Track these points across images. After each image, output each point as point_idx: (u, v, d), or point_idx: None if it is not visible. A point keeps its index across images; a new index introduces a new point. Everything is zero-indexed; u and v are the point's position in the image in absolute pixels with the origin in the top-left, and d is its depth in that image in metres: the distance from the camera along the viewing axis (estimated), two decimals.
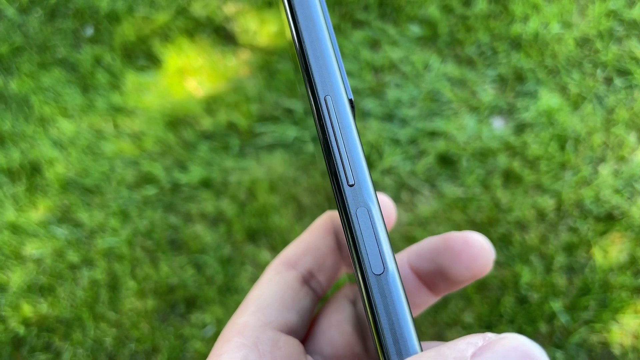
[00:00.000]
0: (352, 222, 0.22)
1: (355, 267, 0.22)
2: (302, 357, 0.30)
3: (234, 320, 0.31)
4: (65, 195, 1.12)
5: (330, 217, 0.36)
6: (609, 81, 1.17)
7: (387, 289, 0.21)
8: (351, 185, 0.23)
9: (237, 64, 1.22)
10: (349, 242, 0.22)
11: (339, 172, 0.23)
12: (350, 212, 0.23)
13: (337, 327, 0.34)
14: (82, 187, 1.13)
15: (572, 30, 1.21)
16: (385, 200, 0.34)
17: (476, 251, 0.31)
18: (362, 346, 0.34)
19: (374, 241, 0.22)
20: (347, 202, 0.23)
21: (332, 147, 0.23)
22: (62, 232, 1.09)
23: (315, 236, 0.36)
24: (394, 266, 0.22)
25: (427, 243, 0.33)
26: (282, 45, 1.22)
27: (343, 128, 0.23)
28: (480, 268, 0.31)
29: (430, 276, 0.33)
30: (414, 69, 1.19)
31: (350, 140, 0.23)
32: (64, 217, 1.11)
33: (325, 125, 0.23)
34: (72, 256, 1.07)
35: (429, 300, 0.34)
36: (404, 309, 0.21)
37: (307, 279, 0.34)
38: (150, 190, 1.12)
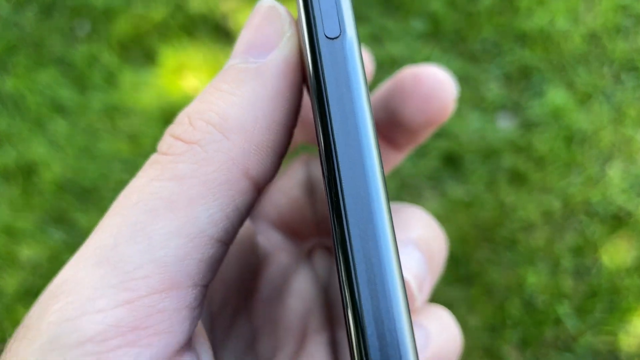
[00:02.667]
0: None
1: (303, 30, 0.18)
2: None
3: None
4: (62, 197, 1.11)
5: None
6: (616, 78, 1.14)
7: (341, 57, 0.18)
8: None
9: None
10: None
11: None
12: None
13: (284, 192, 0.32)
14: (79, 188, 1.11)
15: (579, 26, 1.19)
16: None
17: (429, 89, 0.26)
18: (314, 207, 0.32)
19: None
20: None
21: None
22: (58, 234, 1.08)
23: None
24: (353, 31, 0.18)
25: (380, 90, 0.29)
26: None
27: None
28: (436, 109, 0.26)
29: (387, 127, 0.28)
30: (416, 65, 1.17)
31: None
32: (61, 218, 1.09)
33: None
34: (69, 259, 1.06)
35: (393, 157, 0.31)
36: (359, 82, 0.18)
37: None
38: None
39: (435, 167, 1.08)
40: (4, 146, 1.16)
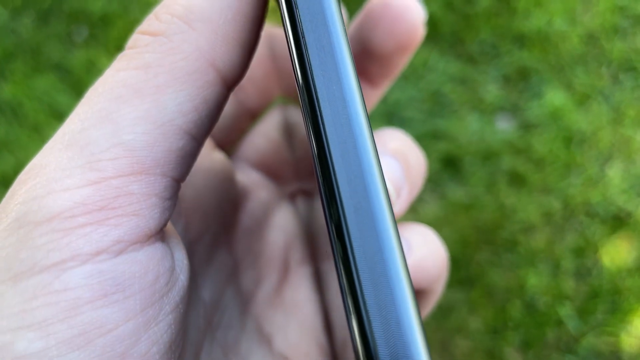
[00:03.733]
0: None
1: None
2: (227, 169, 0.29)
3: None
4: None
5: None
6: (615, 78, 1.14)
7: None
8: None
9: None
10: None
11: None
12: None
13: (263, 134, 0.32)
14: None
15: (577, 27, 1.19)
16: None
17: (398, 11, 0.26)
18: (292, 152, 0.32)
19: None
20: None
21: None
22: None
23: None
24: None
25: (351, 24, 0.28)
26: None
27: None
28: (405, 31, 0.27)
29: (360, 59, 0.28)
30: (414, 68, 1.17)
31: None
32: None
33: None
34: None
35: (370, 94, 0.31)
36: (333, 8, 0.17)
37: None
38: None
39: (435, 170, 1.08)
40: (2, 153, 1.15)
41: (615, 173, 1.05)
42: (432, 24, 1.21)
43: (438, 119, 1.12)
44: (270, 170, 0.32)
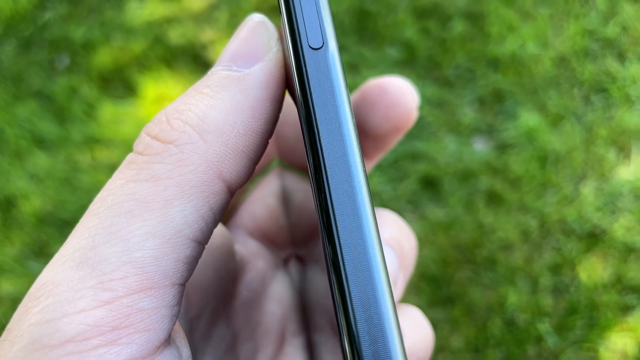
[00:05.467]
0: None
1: (288, 41, 0.20)
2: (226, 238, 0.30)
3: None
4: (42, 230, 1.10)
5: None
6: (586, 100, 1.17)
7: (324, 66, 0.19)
8: None
9: None
10: (284, 12, 0.20)
11: None
12: None
13: (259, 201, 0.33)
14: (60, 221, 1.10)
15: (548, 50, 1.22)
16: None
17: (394, 97, 0.28)
18: (287, 218, 0.33)
19: (314, 13, 0.20)
20: None
21: None
22: (39, 267, 1.07)
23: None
24: (335, 43, 0.20)
25: None
26: None
27: None
28: (401, 116, 0.28)
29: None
30: None
31: None
32: (41, 252, 1.08)
33: None
34: None
35: (366, 165, 0.31)
36: (341, 88, 0.19)
37: None
38: None
39: (415, 191, 1.10)
40: None
41: (589, 191, 1.08)
42: (409, 49, 1.24)
43: (417, 141, 1.14)
44: (267, 237, 0.33)
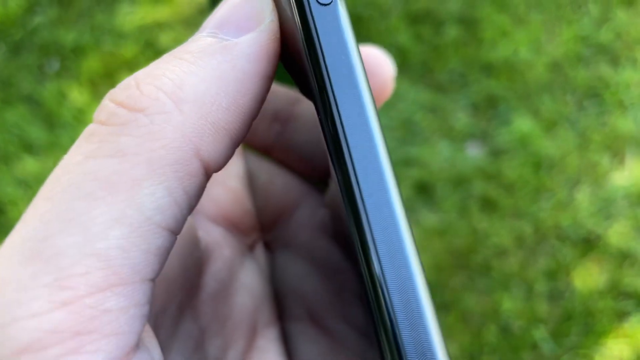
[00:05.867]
0: None
1: (294, 1, 0.18)
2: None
3: None
4: None
5: None
6: (579, 105, 1.17)
7: (336, 23, 0.18)
8: None
9: None
10: None
11: None
12: None
13: (221, 184, 0.30)
14: None
15: (542, 56, 1.22)
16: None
17: (369, 68, 0.26)
18: (252, 201, 0.30)
19: None
20: None
21: None
22: None
23: None
24: (344, 1, 0.18)
25: None
26: None
27: None
28: (377, 88, 0.27)
29: None
30: None
31: None
32: None
33: None
34: None
35: None
36: (354, 49, 0.18)
37: None
38: None
39: (408, 196, 1.09)
40: None
41: (583, 197, 1.08)
42: (402, 54, 1.24)
43: (410, 147, 1.13)
44: (232, 223, 0.30)
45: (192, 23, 1.28)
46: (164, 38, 1.27)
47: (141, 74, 0.19)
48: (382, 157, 0.17)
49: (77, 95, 1.21)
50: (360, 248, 0.16)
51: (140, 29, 1.27)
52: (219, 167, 0.19)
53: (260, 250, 0.31)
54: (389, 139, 1.14)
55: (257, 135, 0.29)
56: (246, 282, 0.29)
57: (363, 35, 1.26)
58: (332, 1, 0.18)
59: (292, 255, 0.27)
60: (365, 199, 0.17)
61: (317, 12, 0.18)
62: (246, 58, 0.19)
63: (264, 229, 0.31)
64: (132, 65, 1.24)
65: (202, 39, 0.19)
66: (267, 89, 0.20)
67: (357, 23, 1.26)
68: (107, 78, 1.23)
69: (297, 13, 0.18)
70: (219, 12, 0.20)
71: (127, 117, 0.17)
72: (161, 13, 1.29)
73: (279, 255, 0.29)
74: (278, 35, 0.20)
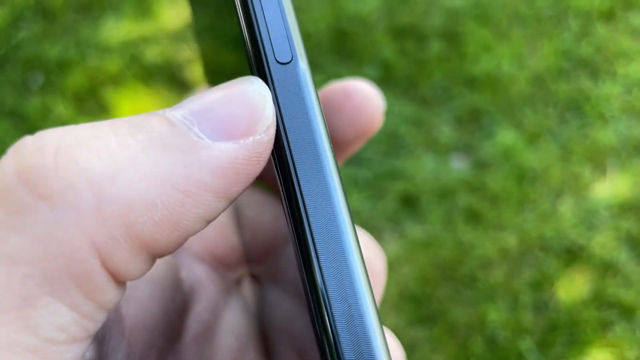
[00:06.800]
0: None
1: (252, 58, 0.17)
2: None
3: None
4: None
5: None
6: (561, 118, 1.19)
7: (295, 82, 0.16)
8: None
9: None
10: (244, 20, 0.17)
11: None
12: None
13: None
14: None
15: (524, 70, 1.24)
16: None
17: (359, 102, 0.25)
18: (239, 234, 0.29)
19: (280, 22, 0.17)
20: None
21: None
22: None
23: None
24: (305, 57, 0.17)
25: None
26: None
27: None
28: (366, 122, 0.26)
29: None
30: None
31: None
32: None
33: None
34: None
35: None
36: (315, 108, 0.16)
37: None
38: None
39: (394, 209, 1.09)
40: None
41: (566, 208, 1.09)
42: (387, 68, 1.25)
43: (395, 160, 1.14)
44: (217, 259, 0.28)
45: (177, 38, 1.28)
46: (149, 52, 1.27)
47: (70, 137, 0.15)
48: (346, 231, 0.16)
49: (61, 109, 1.21)
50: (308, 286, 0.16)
51: (125, 44, 1.27)
52: (137, 277, 0.16)
53: (247, 285, 0.29)
54: (374, 152, 1.15)
55: None
56: (231, 323, 0.27)
57: (348, 49, 1.27)
58: (291, 59, 0.17)
59: (282, 292, 0.25)
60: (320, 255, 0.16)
61: (275, 71, 0.16)
62: (211, 171, 0.15)
63: (252, 261, 0.29)
64: (117, 79, 1.24)
65: (169, 121, 0.15)
66: (222, 210, 0.16)
67: (342, 38, 1.28)
68: (92, 92, 1.23)
69: (256, 71, 0.17)
70: (207, 97, 0.16)
71: (26, 203, 0.13)
72: (146, 27, 1.29)
73: (268, 291, 0.28)
74: (263, 159, 0.16)
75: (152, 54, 1.26)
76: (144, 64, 1.26)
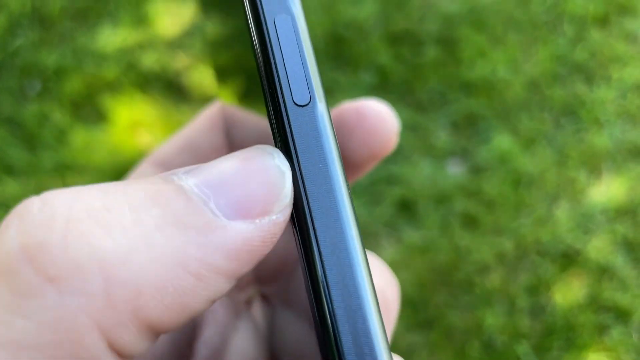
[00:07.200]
0: (269, 34, 0.16)
1: (269, 98, 0.16)
2: None
3: None
4: None
5: (219, 108, 0.28)
6: (557, 123, 1.20)
7: (313, 126, 0.16)
8: None
9: (191, 116, 1.20)
10: (261, 59, 0.16)
11: None
12: (266, 20, 0.16)
13: None
14: None
15: (519, 75, 1.25)
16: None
17: (373, 123, 0.25)
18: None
19: (299, 61, 0.16)
20: (262, 6, 0.16)
21: None
22: None
23: (197, 131, 0.28)
24: (324, 98, 0.16)
25: None
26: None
27: None
28: (380, 143, 0.25)
29: None
30: None
31: None
32: None
33: None
34: None
35: None
36: (333, 153, 0.16)
37: None
38: None
39: (391, 214, 1.10)
40: None
41: (562, 212, 1.09)
42: (383, 74, 1.25)
43: (392, 165, 1.15)
44: None
45: (174, 44, 1.28)
46: (146, 59, 1.27)
47: (81, 207, 0.14)
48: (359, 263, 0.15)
49: (58, 116, 1.21)
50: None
51: (122, 51, 1.28)
52: (142, 353, 0.15)
53: (257, 305, 0.28)
54: None
55: None
56: (240, 346, 0.26)
57: (345, 55, 1.28)
58: (309, 101, 0.16)
59: (292, 314, 0.24)
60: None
61: (293, 114, 0.16)
62: (225, 254, 0.14)
63: (262, 281, 0.28)
64: (114, 86, 1.24)
65: (184, 196, 0.15)
66: (229, 289, 0.16)
67: (338, 44, 1.28)
68: (89, 99, 1.23)
69: (272, 114, 0.16)
70: (225, 167, 0.15)
71: (33, 285, 0.13)
72: (143, 34, 1.30)
73: (278, 312, 0.27)
74: (277, 239, 0.16)
75: (149, 61, 1.27)
76: (140, 70, 1.26)
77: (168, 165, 0.27)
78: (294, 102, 0.16)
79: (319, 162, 0.15)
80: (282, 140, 0.16)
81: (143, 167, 0.28)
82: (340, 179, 0.16)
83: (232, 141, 0.27)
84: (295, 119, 0.16)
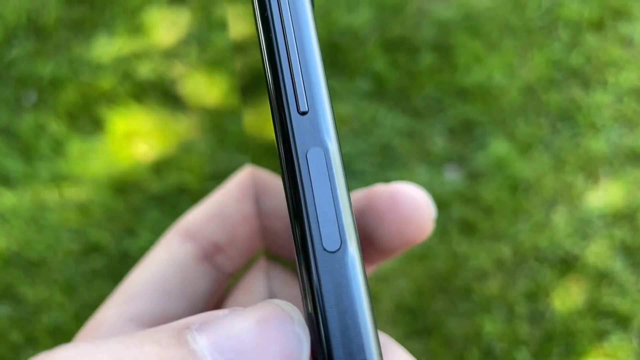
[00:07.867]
0: (300, 170, 0.15)
1: (297, 240, 0.15)
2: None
3: (95, 315, 0.23)
4: (7, 271, 1.07)
5: (250, 174, 0.27)
6: (553, 127, 1.20)
7: (342, 275, 0.15)
8: (303, 113, 0.16)
9: (187, 125, 1.20)
10: (291, 199, 0.15)
11: (284, 91, 0.16)
12: (297, 153, 0.15)
13: (248, 294, 0.27)
14: (26, 261, 1.07)
15: (515, 80, 1.25)
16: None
17: (407, 211, 0.23)
18: None
19: (331, 202, 0.15)
20: (293, 137, 0.15)
21: (277, 52, 0.16)
22: (4, 309, 1.03)
23: (227, 199, 0.27)
24: (355, 243, 0.15)
25: (354, 204, 0.24)
26: (232, 105, 1.22)
27: (298, 27, 0.16)
28: (414, 232, 0.23)
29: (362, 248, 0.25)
30: (363, 123, 1.20)
31: (306, 46, 0.16)
32: (6, 293, 1.05)
33: (271, 19, 0.16)
34: (15, 336, 1.01)
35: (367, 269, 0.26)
36: (364, 307, 0.15)
37: (211, 254, 0.26)
38: (99, 261, 1.07)
39: None
40: None
41: (560, 218, 1.09)
42: (379, 81, 1.26)
43: (388, 172, 1.14)
44: None
45: (170, 54, 1.28)
46: (142, 69, 1.27)
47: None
48: None
49: (54, 127, 1.21)
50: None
51: (117, 60, 1.28)
52: None
53: None
54: (368, 164, 1.15)
55: (284, 248, 0.24)
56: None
57: (340, 62, 1.28)
58: (340, 247, 0.15)
59: None
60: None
61: (321, 260, 0.15)
62: None
63: None
64: (110, 96, 1.24)
65: (191, 353, 0.14)
66: None
67: (334, 51, 1.28)
68: (85, 109, 1.23)
69: (302, 258, 0.15)
70: (240, 329, 0.15)
71: None
72: (139, 44, 1.30)
73: None
74: None
75: (145, 71, 1.27)
76: (136, 80, 1.26)
77: (196, 237, 0.27)
78: (323, 247, 0.15)
79: (349, 318, 0.15)
80: (308, 288, 0.15)
81: (168, 238, 0.27)
82: (371, 335, 0.15)
83: (262, 209, 0.26)
84: (323, 265, 0.15)
